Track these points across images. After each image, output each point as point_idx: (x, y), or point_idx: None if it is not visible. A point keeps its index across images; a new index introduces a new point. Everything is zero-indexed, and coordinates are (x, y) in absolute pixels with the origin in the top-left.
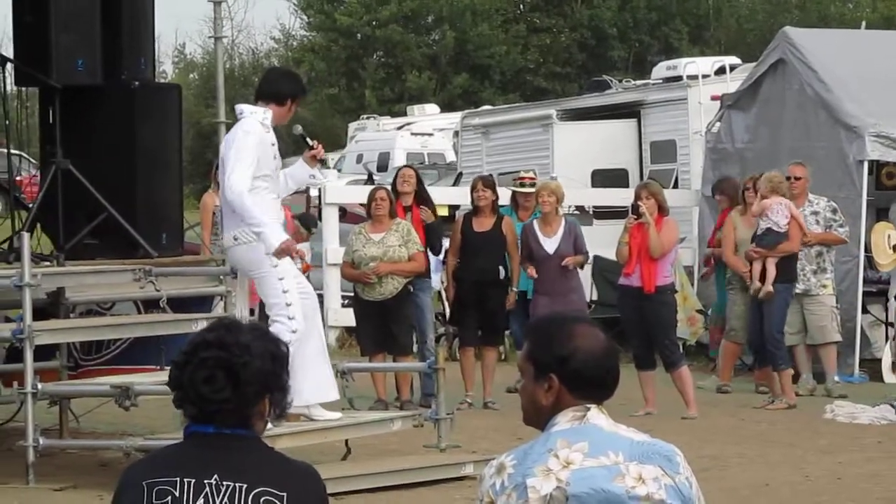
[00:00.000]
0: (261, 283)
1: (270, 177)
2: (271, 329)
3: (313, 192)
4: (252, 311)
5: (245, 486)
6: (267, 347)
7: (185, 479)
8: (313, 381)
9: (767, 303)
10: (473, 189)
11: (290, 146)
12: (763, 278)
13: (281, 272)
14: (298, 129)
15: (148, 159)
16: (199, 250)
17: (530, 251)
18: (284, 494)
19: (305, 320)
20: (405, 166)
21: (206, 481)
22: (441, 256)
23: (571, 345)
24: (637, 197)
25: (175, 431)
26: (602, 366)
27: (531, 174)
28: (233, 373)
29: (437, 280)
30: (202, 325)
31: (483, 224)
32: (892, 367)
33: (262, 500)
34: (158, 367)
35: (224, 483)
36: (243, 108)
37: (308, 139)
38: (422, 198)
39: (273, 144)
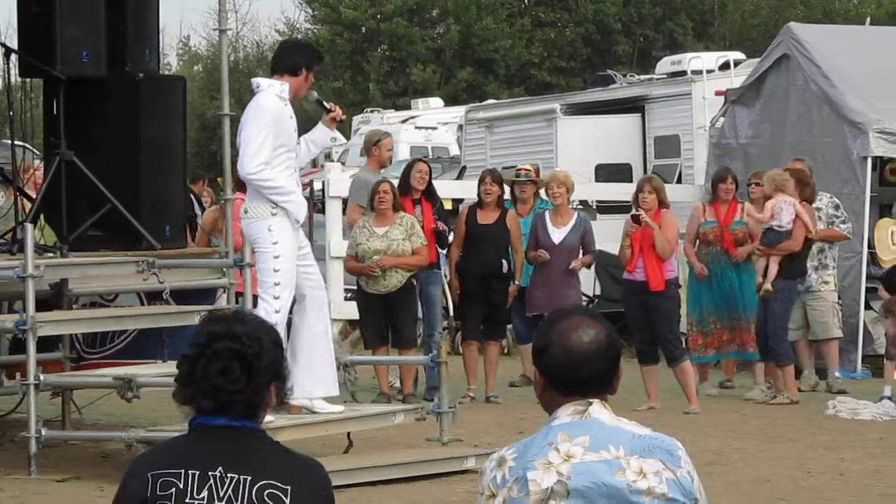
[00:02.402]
0: (258, 259)
1: (291, 149)
2: (259, 307)
3: (317, 185)
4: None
5: (249, 478)
6: (270, 335)
7: (190, 471)
8: (317, 373)
9: (771, 300)
10: (481, 182)
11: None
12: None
13: (279, 251)
14: (314, 94)
15: (152, 151)
16: None
17: (537, 240)
18: (289, 488)
19: (315, 312)
20: (419, 160)
21: (210, 473)
22: (446, 251)
23: (547, 339)
24: (640, 189)
25: (177, 423)
26: (575, 363)
27: (529, 167)
28: (247, 363)
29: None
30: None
31: (487, 217)
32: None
33: (265, 493)
34: (161, 361)
35: (228, 475)
36: (259, 82)
37: (325, 102)
38: (429, 192)
39: (291, 117)
